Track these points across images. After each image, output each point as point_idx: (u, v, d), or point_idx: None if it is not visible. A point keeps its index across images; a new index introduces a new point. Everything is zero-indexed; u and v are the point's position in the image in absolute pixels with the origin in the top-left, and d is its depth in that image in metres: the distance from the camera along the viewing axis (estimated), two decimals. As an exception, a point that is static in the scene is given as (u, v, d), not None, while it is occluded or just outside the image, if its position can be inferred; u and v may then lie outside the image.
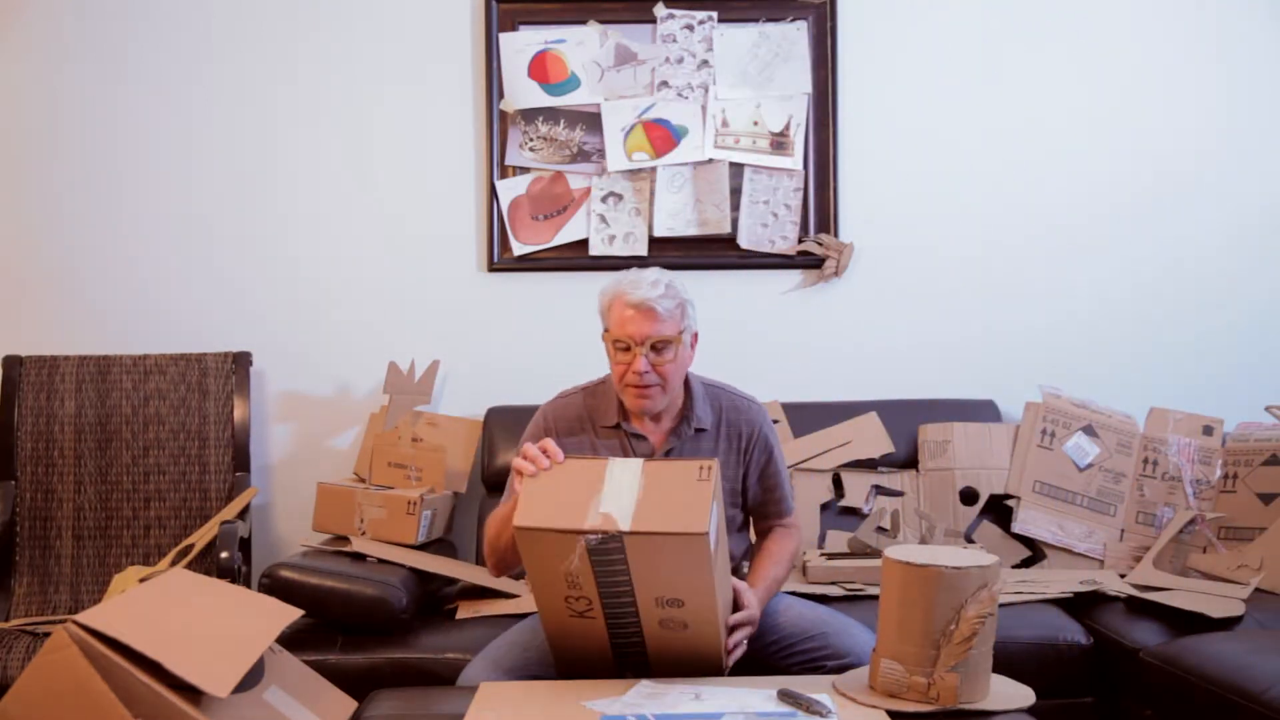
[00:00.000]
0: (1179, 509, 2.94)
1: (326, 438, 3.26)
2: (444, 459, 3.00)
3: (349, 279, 3.26)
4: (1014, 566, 2.96)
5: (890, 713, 1.73)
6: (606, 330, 2.16)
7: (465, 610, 2.67)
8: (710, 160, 3.23)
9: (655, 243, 3.24)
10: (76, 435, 3.02)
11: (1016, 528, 2.98)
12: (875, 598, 1.89)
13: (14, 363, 3.04)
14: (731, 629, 1.97)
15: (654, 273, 2.16)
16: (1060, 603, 2.65)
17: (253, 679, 1.91)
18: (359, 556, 2.69)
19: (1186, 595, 2.56)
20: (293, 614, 2.14)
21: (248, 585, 2.88)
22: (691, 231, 3.24)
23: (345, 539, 2.81)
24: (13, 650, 2.49)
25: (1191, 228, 3.30)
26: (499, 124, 3.23)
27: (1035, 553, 2.98)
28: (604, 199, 3.24)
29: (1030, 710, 1.79)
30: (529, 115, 3.24)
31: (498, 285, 3.27)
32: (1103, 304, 3.29)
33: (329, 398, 3.26)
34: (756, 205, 3.25)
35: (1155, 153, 3.29)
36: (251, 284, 3.25)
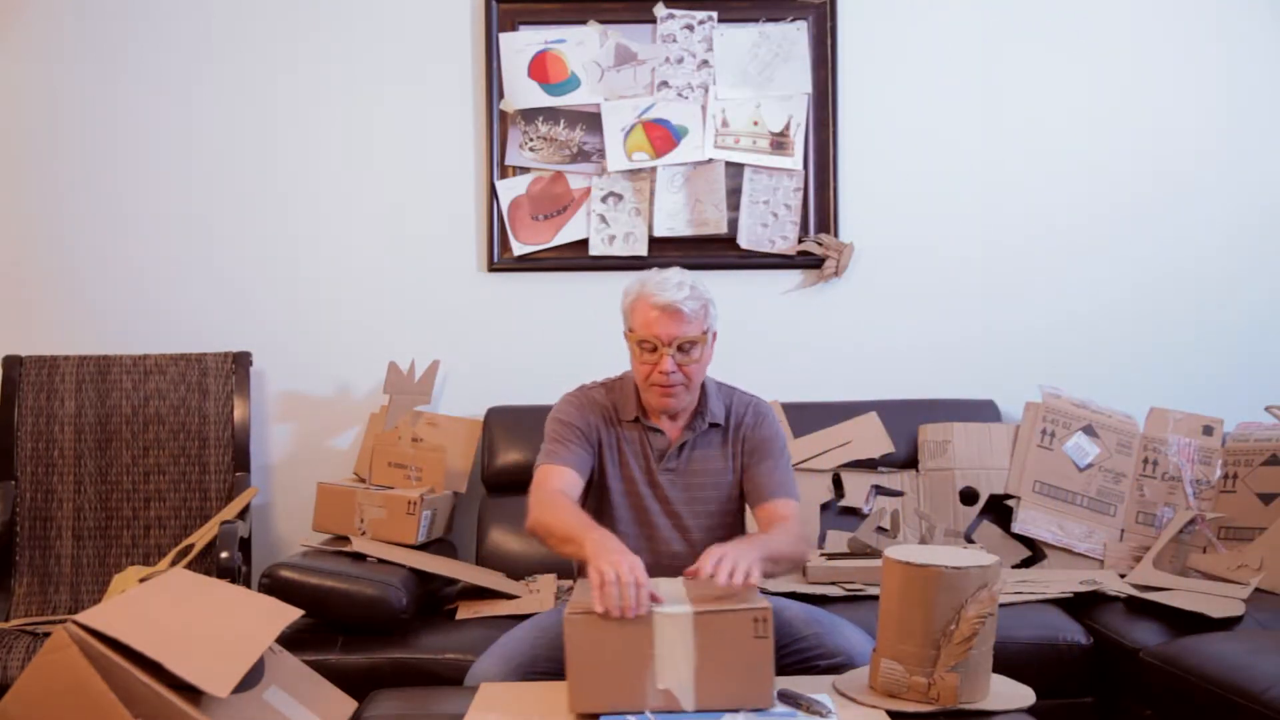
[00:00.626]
0: (1179, 509, 2.94)
1: (326, 438, 3.26)
2: (444, 459, 3.00)
3: (349, 279, 3.26)
4: (1014, 566, 2.96)
5: (890, 713, 1.74)
6: (630, 330, 2.19)
7: (465, 610, 2.67)
8: (709, 160, 3.23)
9: (655, 243, 3.24)
10: (76, 435, 3.02)
11: (1016, 528, 2.98)
12: (875, 598, 1.90)
13: (14, 363, 3.04)
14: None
15: (677, 273, 2.18)
16: (1060, 603, 2.65)
17: (253, 679, 1.91)
18: (359, 556, 2.69)
19: (1186, 595, 2.56)
20: (293, 614, 2.14)
21: (248, 585, 2.88)
22: (690, 232, 3.24)
23: (345, 539, 2.81)
24: (13, 650, 2.48)
25: (1191, 228, 3.30)
26: (499, 124, 3.23)
27: (1035, 553, 2.98)
28: (604, 199, 3.24)
29: (1030, 710, 1.79)
30: (529, 115, 3.24)
31: (498, 285, 3.26)
32: (1103, 304, 3.29)
33: (329, 398, 3.25)
34: (756, 205, 3.25)
35: (1155, 153, 3.29)
36: (251, 284, 3.25)
